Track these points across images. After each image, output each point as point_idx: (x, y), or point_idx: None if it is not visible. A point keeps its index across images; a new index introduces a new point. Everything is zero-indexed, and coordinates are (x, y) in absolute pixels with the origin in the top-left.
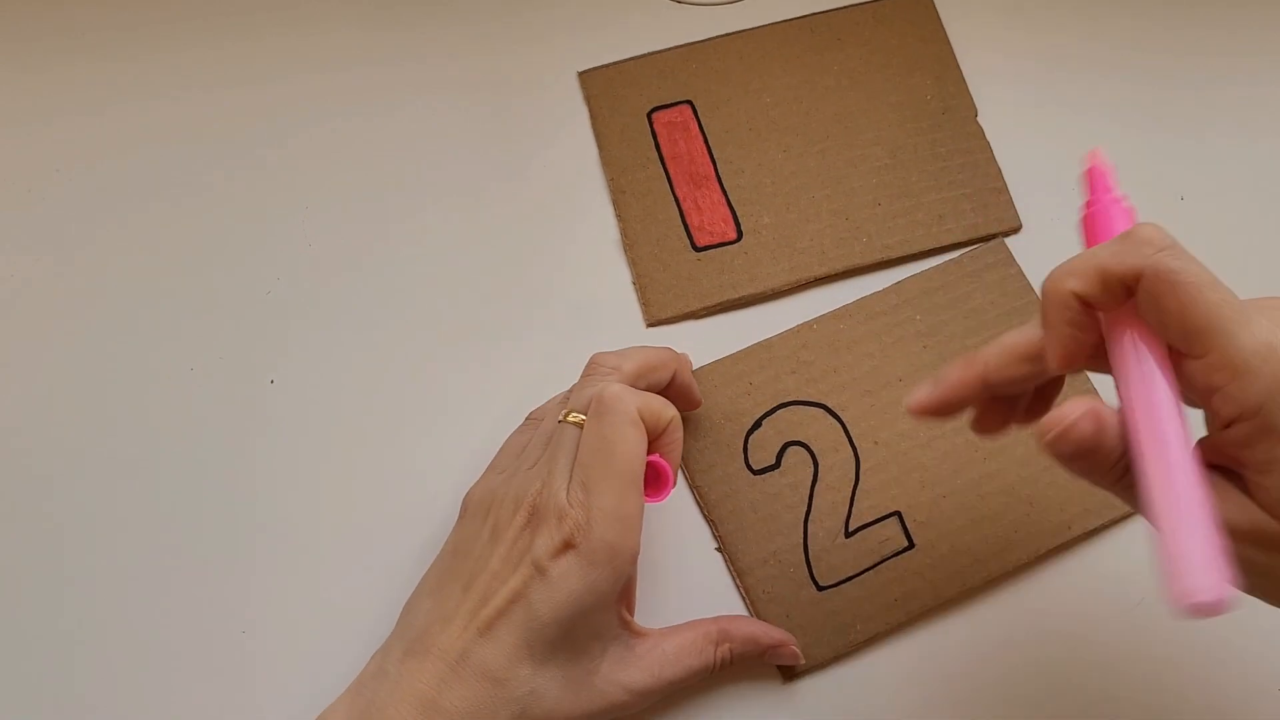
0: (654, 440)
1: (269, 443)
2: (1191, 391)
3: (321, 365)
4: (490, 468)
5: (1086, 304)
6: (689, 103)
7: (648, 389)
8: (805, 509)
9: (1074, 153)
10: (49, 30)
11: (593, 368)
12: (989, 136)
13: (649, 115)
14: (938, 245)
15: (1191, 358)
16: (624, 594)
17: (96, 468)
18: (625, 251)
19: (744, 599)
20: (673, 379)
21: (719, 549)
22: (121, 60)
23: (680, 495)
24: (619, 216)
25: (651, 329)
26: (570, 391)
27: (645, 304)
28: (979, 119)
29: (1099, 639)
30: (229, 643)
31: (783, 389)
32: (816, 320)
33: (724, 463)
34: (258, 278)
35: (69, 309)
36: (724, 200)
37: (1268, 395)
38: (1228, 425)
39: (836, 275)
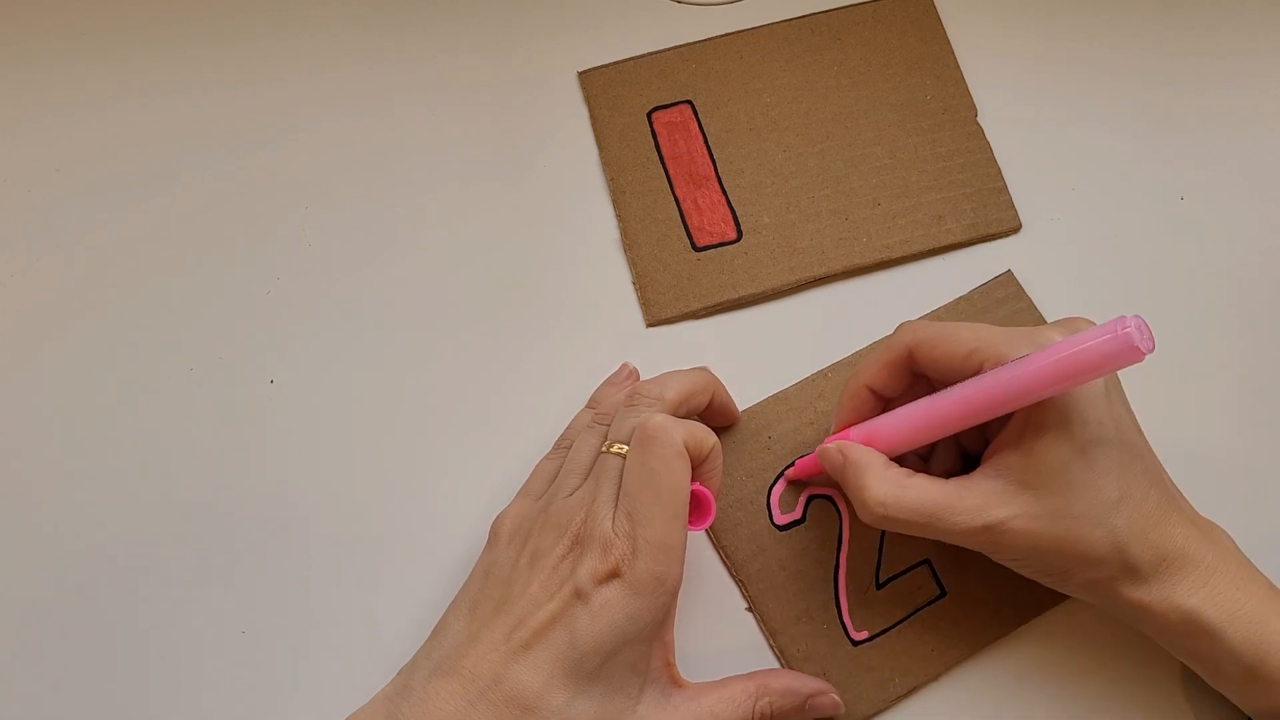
0: (696, 468)
1: (269, 443)
2: None
3: (321, 365)
4: (522, 493)
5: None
6: (689, 103)
7: (688, 414)
8: (834, 562)
9: (1074, 153)
10: (49, 30)
11: (635, 398)
12: (989, 136)
13: (649, 115)
14: (938, 245)
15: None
16: (663, 633)
17: (95, 467)
18: (625, 251)
19: (779, 659)
20: (711, 400)
21: (750, 609)
22: (121, 60)
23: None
24: (619, 216)
25: (651, 329)
26: (591, 403)
27: (645, 304)
28: (979, 119)
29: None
30: (228, 643)
31: (802, 441)
32: (830, 369)
33: (749, 520)
34: (258, 278)
35: (69, 309)
36: (724, 200)
37: None
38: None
39: (836, 275)
